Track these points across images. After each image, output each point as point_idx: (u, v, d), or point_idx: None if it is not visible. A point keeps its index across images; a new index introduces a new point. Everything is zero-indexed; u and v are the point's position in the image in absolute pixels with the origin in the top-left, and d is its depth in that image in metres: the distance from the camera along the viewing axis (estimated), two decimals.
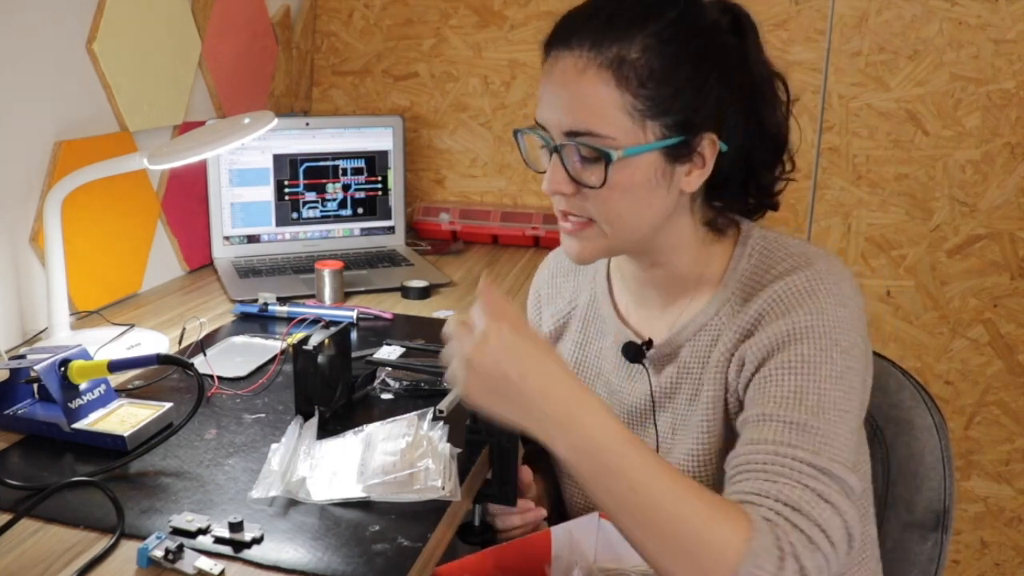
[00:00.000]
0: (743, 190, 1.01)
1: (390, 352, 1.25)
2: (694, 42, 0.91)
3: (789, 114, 1.02)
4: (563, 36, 0.92)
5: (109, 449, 0.99)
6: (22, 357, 1.05)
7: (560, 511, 1.18)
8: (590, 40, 0.90)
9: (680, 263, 1.01)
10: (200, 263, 1.77)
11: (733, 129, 0.95)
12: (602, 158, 0.90)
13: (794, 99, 1.02)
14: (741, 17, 0.97)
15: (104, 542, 0.83)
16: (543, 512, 1.09)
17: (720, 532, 0.78)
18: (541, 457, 1.24)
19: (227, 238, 1.78)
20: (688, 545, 0.78)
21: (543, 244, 2.00)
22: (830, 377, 0.88)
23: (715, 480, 0.97)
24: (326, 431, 1.03)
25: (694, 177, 0.95)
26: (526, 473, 1.10)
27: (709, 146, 0.93)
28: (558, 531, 1.01)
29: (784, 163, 1.03)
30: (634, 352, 1.04)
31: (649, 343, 1.03)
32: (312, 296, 1.55)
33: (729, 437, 0.97)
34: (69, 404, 1.02)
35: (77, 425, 1.01)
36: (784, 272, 0.95)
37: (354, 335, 1.38)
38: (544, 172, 0.98)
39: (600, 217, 0.94)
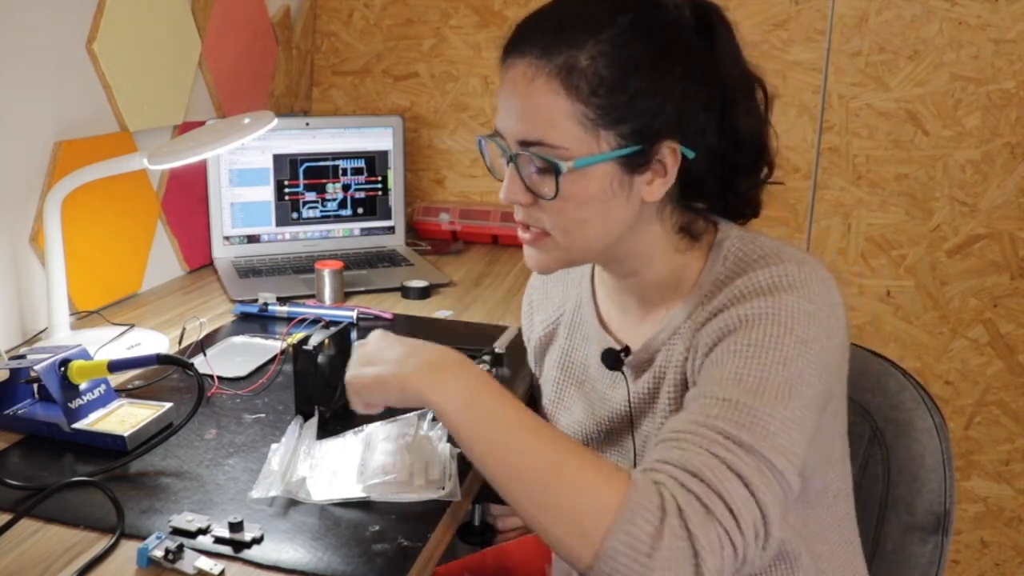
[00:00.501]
0: (720, 196, 0.97)
1: None
2: (651, 46, 0.87)
3: (768, 118, 0.97)
4: (516, 42, 0.90)
5: (109, 449, 0.99)
6: (22, 357, 1.05)
7: None
8: (540, 47, 0.87)
9: (655, 271, 0.97)
10: (200, 263, 1.77)
11: (701, 134, 0.90)
12: (553, 169, 0.87)
13: (772, 97, 0.97)
14: (709, 14, 0.92)
15: (104, 542, 0.83)
16: None
17: (592, 492, 0.75)
18: None
19: (227, 238, 1.78)
20: (564, 503, 0.76)
21: None
22: (777, 362, 0.82)
23: None
24: (326, 431, 1.03)
25: (656, 186, 0.90)
26: None
27: (670, 154, 0.89)
28: None
29: (763, 169, 0.98)
30: (612, 359, 1.01)
31: (627, 350, 1.01)
32: (312, 296, 1.55)
33: None
34: (69, 404, 1.02)
35: (77, 425, 1.01)
36: (750, 269, 0.91)
37: (354, 335, 1.38)
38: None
39: (555, 228, 0.92)
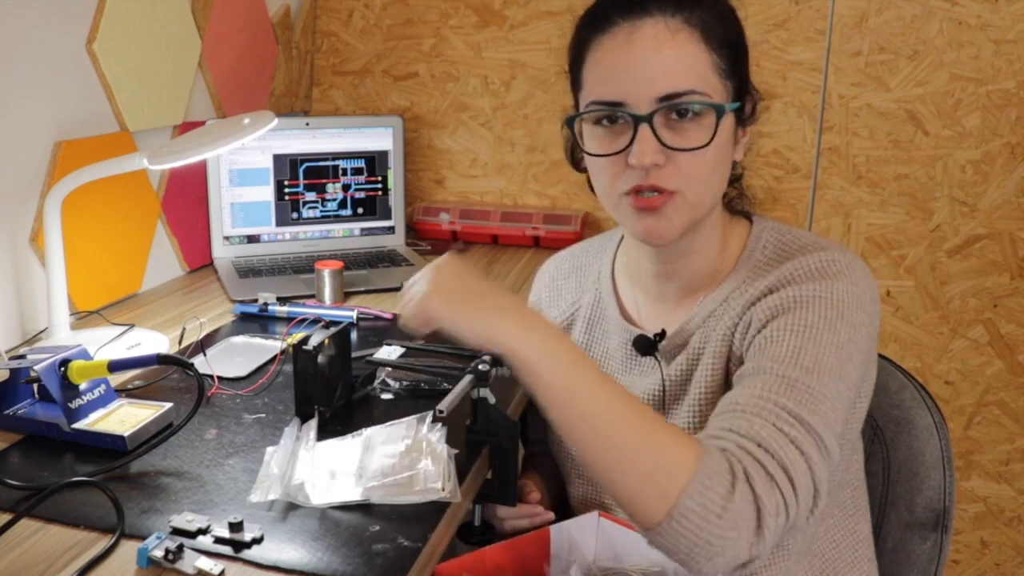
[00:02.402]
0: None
1: (390, 352, 1.25)
2: (736, 16, 0.98)
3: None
4: (636, 5, 0.93)
5: (109, 449, 0.99)
6: (22, 357, 1.05)
7: (560, 511, 1.18)
8: (673, 4, 0.93)
9: (708, 248, 1.02)
10: (200, 263, 1.77)
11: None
12: (712, 113, 0.92)
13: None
14: None
15: (104, 542, 0.83)
16: (551, 515, 1.09)
17: (670, 452, 0.78)
18: (541, 457, 1.25)
19: (227, 238, 1.78)
20: (643, 461, 0.78)
21: (543, 244, 2.00)
22: (831, 344, 0.87)
23: None
24: (326, 431, 1.03)
25: (742, 145, 1.00)
26: (528, 488, 1.11)
27: (751, 114, 0.99)
28: (557, 530, 1.01)
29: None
30: (646, 345, 1.04)
31: (662, 335, 1.03)
32: (312, 296, 1.55)
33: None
34: (69, 404, 1.02)
35: (77, 425, 1.01)
36: (798, 254, 0.97)
37: (354, 335, 1.38)
38: (584, 168, 1.01)
39: (688, 184, 0.94)
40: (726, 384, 0.97)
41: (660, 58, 0.91)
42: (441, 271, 0.91)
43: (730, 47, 0.95)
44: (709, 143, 0.92)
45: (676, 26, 0.92)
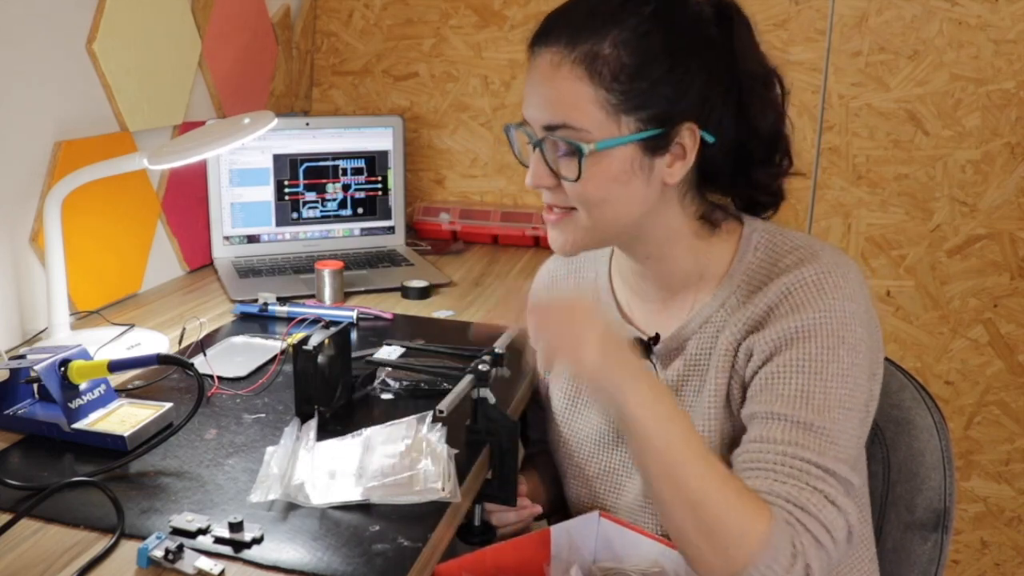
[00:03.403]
0: (735, 184, 1.01)
1: (390, 352, 1.25)
2: (672, 36, 0.92)
3: (784, 110, 1.02)
4: (543, 33, 0.95)
5: (109, 449, 0.99)
6: (22, 357, 1.05)
7: (559, 511, 1.18)
8: (566, 36, 0.92)
9: (675, 255, 1.01)
10: (200, 263, 1.77)
11: (719, 122, 0.95)
12: (575, 153, 0.92)
13: (787, 92, 1.03)
14: (727, 9, 0.96)
15: (104, 542, 0.83)
16: (538, 509, 1.10)
17: (743, 518, 0.83)
18: (541, 457, 1.25)
19: (227, 238, 1.78)
20: (716, 523, 0.83)
21: (543, 244, 1.99)
22: (836, 376, 0.90)
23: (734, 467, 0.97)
24: (326, 431, 1.03)
25: (676, 168, 0.95)
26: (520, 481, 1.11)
27: (689, 136, 0.94)
28: (557, 530, 1.01)
29: (781, 159, 1.03)
30: (641, 348, 1.04)
31: (656, 338, 1.04)
32: (312, 296, 1.55)
33: (731, 425, 0.98)
34: (69, 404, 1.02)
35: (77, 425, 1.01)
36: (792, 265, 0.96)
37: (354, 335, 1.38)
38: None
39: (582, 206, 0.96)
40: (727, 404, 0.98)
41: (543, 89, 0.93)
42: (597, 322, 0.88)
43: (631, 79, 0.90)
44: (576, 179, 0.92)
45: (559, 60, 0.92)
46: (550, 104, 0.93)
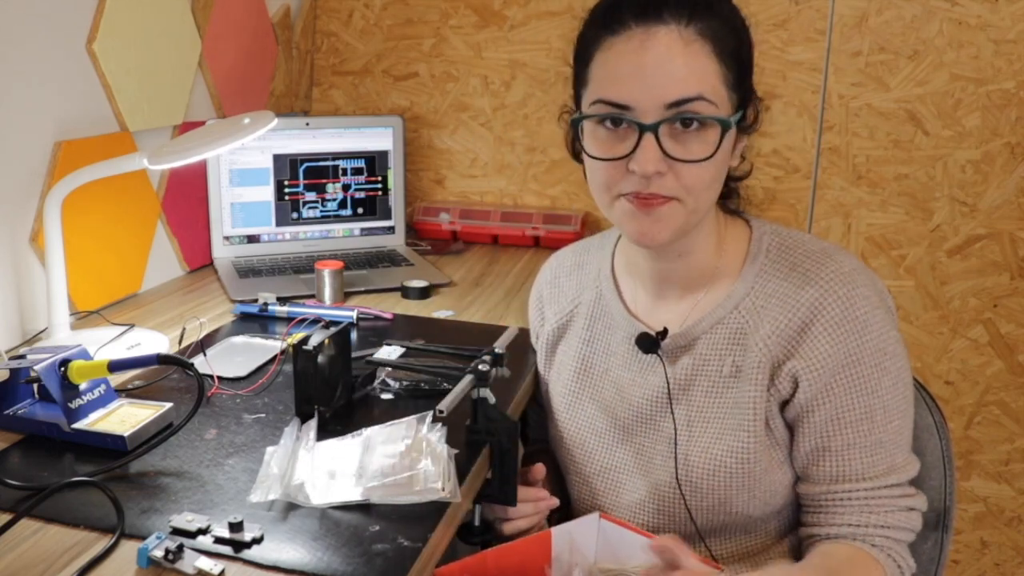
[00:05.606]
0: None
1: (390, 352, 1.25)
2: (747, 29, 0.99)
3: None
4: (652, 11, 0.93)
5: (109, 449, 0.99)
6: (22, 357, 1.05)
7: (562, 511, 1.18)
8: (688, 14, 0.93)
9: (702, 248, 1.04)
10: (200, 263, 1.77)
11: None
12: (717, 126, 0.93)
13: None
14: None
15: (104, 542, 0.83)
16: (555, 501, 1.09)
17: None
18: (541, 457, 1.25)
19: (227, 238, 1.78)
20: None
21: (543, 244, 2.00)
22: (889, 387, 0.98)
23: (751, 476, 1.00)
24: (326, 431, 1.03)
25: (739, 151, 1.01)
26: (539, 469, 1.10)
27: (752, 121, 1.01)
28: (558, 532, 1.01)
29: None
30: (649, 343, 1.04)
31: (664, 333, 1.04)
32: (312, 296, 1.55)
33: (770, 440, 1.00)
34: (69, 404, 1.02)
35: (77, 425, 1.01)
36: (813, 274, 0.98)
37: (354, 335, 1.38)
38: (584, 163, 1.01)
39: (687, 193, 0.95)
40: (766, 418, 1.00)
41: (672, 66, 0.92)
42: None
43: (739, 59, 0.96)
44: (711, 156, 0.93)
45: (690, 36, 0.92)
46: (682, 79, 0.92)
